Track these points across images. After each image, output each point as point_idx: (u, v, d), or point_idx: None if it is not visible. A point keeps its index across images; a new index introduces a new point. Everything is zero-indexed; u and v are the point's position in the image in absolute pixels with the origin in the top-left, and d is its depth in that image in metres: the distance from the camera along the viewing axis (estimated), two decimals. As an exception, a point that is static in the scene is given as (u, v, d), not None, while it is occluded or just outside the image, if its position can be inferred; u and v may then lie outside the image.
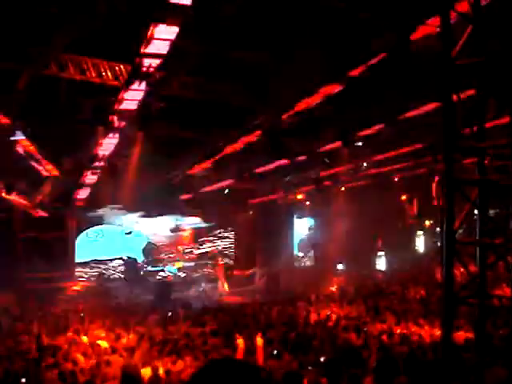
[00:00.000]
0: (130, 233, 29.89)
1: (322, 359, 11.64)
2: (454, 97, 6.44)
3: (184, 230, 32.01)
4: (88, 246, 29.36)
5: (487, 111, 9.55)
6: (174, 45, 11.96)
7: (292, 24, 12.07)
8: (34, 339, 15.44)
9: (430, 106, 14.82)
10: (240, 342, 14.35)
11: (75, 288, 26.46)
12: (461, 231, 9.82)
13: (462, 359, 6.81)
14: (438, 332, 13.62)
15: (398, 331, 15.37)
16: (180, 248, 32.19)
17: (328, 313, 19.28)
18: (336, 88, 14.67)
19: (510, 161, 5.85)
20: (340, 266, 33.08)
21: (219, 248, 33.28)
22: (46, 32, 12.21)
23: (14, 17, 11.67)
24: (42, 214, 25.19)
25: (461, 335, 11.24)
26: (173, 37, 11.54)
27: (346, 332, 15.45)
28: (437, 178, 30.12)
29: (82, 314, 20.30)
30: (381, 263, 34.95)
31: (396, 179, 30.89)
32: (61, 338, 15.92)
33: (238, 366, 2.31)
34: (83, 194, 24.93)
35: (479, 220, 6.59)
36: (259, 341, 14.27)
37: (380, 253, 35.07)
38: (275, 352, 13.21)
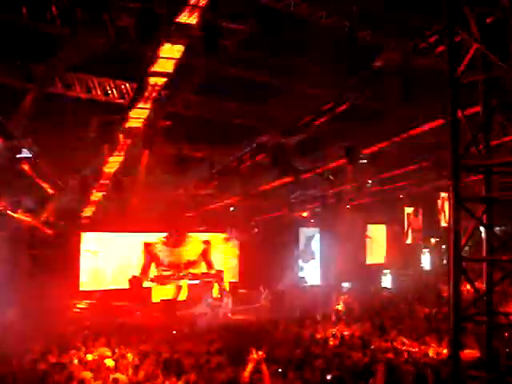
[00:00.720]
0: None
1: (328, 377, 11.57)
2: (460, 114, 6.47)
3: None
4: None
5: (494, 129, 9.60)
6: (180, 63, 12.07)
7: (296, 43, 12.14)
8: (40, 357, 15.39)
9: (435, 123, 14.85)
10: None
11: (80, 306, 26.39)
12: (466, 248, 9.80)
13: (470, 377, 6.75)
14: (444, 350, 13.58)
15: (404, 349, 15.30)
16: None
17: (333, 331, 19.19)
18: (340, 108, 14.78)
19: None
20: (345, 284, 33.00)
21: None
22: (53, 51, 12.30)
23: (22, 35, 11.76)
24: (47, 231, 25.29)
25: (468, 353, 11.18)
26: (179, 55, 11.64)
27: (352, 350, 15.38)
28: (442, 196, 30.25)
29: (87, 332, 20.26)
30: (386, 281, 34.84)
31: (401, 196, 30.96)
32: (66, 356, 15.85)
33: None
34: (88, 211, 25.03)
35: (486, 237, 6.57)
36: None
37: (385, 270, 34.98)
38: (280, 370, 13.12)
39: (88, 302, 27.07)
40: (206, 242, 33.39)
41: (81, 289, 28.72)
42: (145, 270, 31.35)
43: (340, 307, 26.73)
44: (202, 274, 32.80)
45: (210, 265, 33.36)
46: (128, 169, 20.07)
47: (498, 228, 15.04)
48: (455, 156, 6.26)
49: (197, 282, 32.11)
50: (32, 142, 17.21)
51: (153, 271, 31.65)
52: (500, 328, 7.38)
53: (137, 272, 30.83)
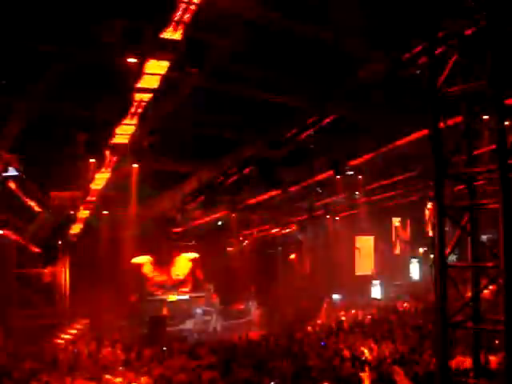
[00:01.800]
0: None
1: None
2: (442, 124, 6.55)
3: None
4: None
5: (478, 137, 9.72)
6: (166, 79, 12.12)
7: (279, 55, 12.19)
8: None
9: (421, 134, 14.97)
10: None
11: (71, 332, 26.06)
12: (454, 258, 9.87)
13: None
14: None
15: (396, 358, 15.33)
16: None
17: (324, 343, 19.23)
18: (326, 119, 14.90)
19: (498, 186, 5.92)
20: (336, 296, 33.01)
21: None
22: (39, 68, 12.29)
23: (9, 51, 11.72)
24: (35, 249, 25.16)
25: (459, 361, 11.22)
26: (164, 71, 11.69)
27: (344, 361, 15.39)
28: (429, 206, 30.47)
29: (76, 350, 20.15)
30: (376, 291, 34.87)
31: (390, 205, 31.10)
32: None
33: None
34: (76, 228, 24.97)
35: (471, 244, 6.64)
36: None
37: (375, 281, 35.03)
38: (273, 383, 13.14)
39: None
40: (194, 259, 33.34)
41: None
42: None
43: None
44: (191, 290, 32.73)
45: (198, 281, 33.28)
46: (115, 185, 20.04)
47: (484, 236, 15.13)
48: (438, 165, 6.34)
49: (186, 297, 32.00)
50: (18, 159, 17.20)
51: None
52: (489, 335, 7.43)
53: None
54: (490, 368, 6.84)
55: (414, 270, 37.16)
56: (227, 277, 33.23)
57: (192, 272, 33.12)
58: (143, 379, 14.68)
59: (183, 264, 33.05)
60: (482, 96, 6.28)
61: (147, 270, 31.87)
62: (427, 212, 34.10)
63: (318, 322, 26.17)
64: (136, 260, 31.37)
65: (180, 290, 32.24)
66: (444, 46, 6.62)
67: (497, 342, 9.69)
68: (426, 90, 6.41)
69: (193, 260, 33.28)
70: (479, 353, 6.62)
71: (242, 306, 31.37)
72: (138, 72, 11.94)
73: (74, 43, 11.13)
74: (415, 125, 15.10)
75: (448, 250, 6.32)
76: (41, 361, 18.35)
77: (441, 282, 6.28)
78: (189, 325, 28.84)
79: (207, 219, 26.93)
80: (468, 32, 6.63)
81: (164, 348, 20.53)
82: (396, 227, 36.95)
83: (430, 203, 28.72)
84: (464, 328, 6.91)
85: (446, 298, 6.27)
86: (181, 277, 32.67)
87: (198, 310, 30.45)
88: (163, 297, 31.39)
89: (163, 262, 32.26)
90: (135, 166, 18.23)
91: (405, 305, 29.89)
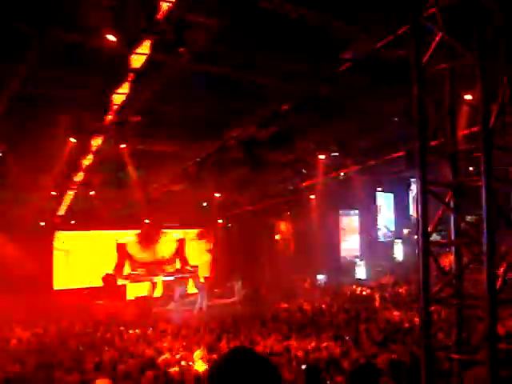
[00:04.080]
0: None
1: (303, 367, 11.68)
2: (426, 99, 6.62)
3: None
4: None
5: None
6: (150, 59, 12.08)
7: (261, 36, 12.15)
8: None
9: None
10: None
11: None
12: (439, 237, 9.97)
13: (440, 359, 6.92)
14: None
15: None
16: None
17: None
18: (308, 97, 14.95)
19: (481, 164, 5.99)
20: (320, 277, 33.26)
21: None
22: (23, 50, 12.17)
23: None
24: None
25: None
26: (148, 51, 11.66)
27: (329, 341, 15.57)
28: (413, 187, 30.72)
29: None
30: (360, 272, 35.15)
31: (378, 189, 31.35)
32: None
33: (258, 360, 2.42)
34: (62, 210, 24.93)
35: (453, 221, 6.73)
36: None
37: (359, 262, 35.30)
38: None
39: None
40: (180, 240, 33.43)
41: (54, 288, 28.62)
42: (119, 268, 31.31)
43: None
44: (177, 270, 32.83)
45: (184, 261, 33.40)
46: (100, 166, 20.00)
47: (469, 217, 15.26)
48: (422, 141, 6.40)
49: (171, 278, 32.12)
50: (1, 141, 17.10)
51: (127, 269, 31.63)
52: (472, 311, 7.56)
53: (110, 270, 30.78)
54: (472, 343, 6.96)
55: (398, 251, 37.43)
56: (212, 256, 33.43)
57: (178, 252, 33.24)
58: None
59: (169, 244, 33.16)
60: (467, 74, 6.34)
61: (132, 249, 31.94)
62: (411, 193, 34.44)
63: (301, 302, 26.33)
64: (121, 240, 31.43)
65: (166, 270, 32.37)
66: (428, 23, 6.65)
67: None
68: (411, 67, 6.46)
69: (178, 240, 33.39)
70: (462, 328, 6.75)
71: (229, 285, 31.51)
72: (123, 52, 11.93)
73: (57, 22, 11.06)
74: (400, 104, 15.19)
75: (431, 228, 6.41)
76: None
77: (423, 259, 6.37)
78: (173, 306, 28.97)
79: (193, 200, 26.96)
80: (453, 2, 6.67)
81: (150, 329, 20.64)
82: (380, 208, 37.18)
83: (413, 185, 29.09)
84: (447, 305, 7.03)
85: (428, 276, 6.36)
86: (166, 257, 32.78)
87: (182, 290, 30.62)
88: (149, 277, 31.51)
89: (148, 241, 32.33)
90: (123, 146, 18.20)
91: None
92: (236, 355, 2.49)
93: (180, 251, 33.44)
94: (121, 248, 31.64)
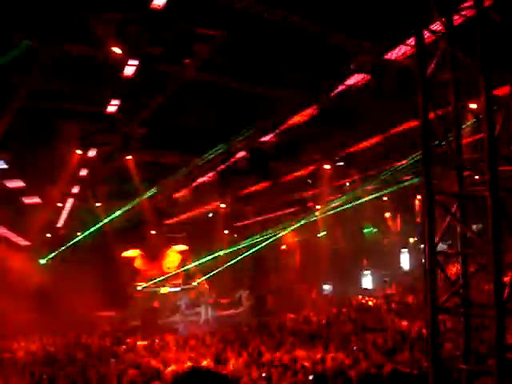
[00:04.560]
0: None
1: (310, 377, 11.64)
2: (431, 114, 6.63)
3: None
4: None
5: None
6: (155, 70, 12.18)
7: (268, 49, 12.20)
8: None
9: (410, 124, 15.07)
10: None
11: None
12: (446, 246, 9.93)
13: (448, 369, 6.89)
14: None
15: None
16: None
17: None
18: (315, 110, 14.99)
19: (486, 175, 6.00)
20: (326, 287, 33.19)
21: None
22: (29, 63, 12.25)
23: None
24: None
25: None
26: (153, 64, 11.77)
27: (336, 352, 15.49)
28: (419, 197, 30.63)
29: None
30: (367, 281, 35.05)
31: (385, 198, 31.27)
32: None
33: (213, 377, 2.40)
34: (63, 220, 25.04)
35: (460, 231, 6.72)
36: None
37: (366, 272, 35.19)
38: (264, 375, 13.18)
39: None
40: (184, 252, 33.42)
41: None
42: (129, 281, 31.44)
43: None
44: (183, 282, 32.80)
45: (189, 273, 33.36)
46: (105, 178, 20.09)
47: (474, 226, 15.23)
48: (427, 151, 6.41)
49: (178, 289, 32.07)
50: (6, 153, 17.18)
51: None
52: (479, 320, 7.54)
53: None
54: (480, 353, 6.95)
55: (404, 260, 37.29)
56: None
57: (183, 264, 33.20)
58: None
59: (173, 257, 33.16)
60: (471, 84, 6.35)
61: (138, 263, 31.97)
62: (417, 203, 34.31)
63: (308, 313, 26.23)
64: (126, 254, 31.44)
65: (172, 282, 32.32)
66: (433, 35, 6.68)
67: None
68: (416, 77, 6.48)
69: (183, 252, 33.37)
70: (469, 338, 6.72)
71: (235, 297, 31.44)
72: (126, 63, 12.01)
73: (61, 35, 11.14)
74: (404, 116, 15.23)
75: (438, 238, 6.40)
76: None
77: (430, 269, 6.36)
78: (178, 317, 28.89)
79: (198, 211, 26.96)
80: (457, 21, 6.71)
81: (156, 340, 20.60)
82: (386, 218, 37.05)
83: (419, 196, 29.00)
84: (454, 314, 7.02)
85: (435, 285, 6.35)
86: (172, 270, 32.77)
87: (182, 302, 30.53)
88: (154, 289, 31.48)
89: (154, 255, 32.37)
90: (129, 157, 18.27)
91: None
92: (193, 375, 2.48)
93: (185, 263, 33.45)
94: (127, 262, 31.74)
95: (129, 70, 12.23)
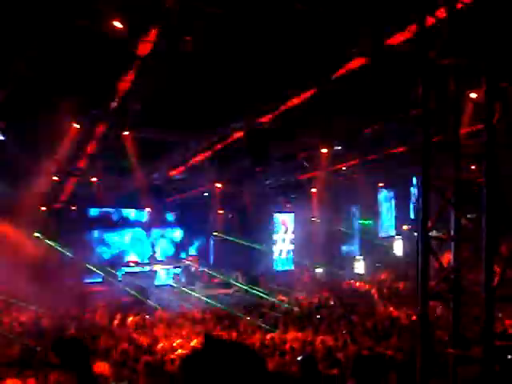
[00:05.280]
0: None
1: (298, 358, 11.70)
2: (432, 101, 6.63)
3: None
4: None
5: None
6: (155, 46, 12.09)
7: (265, 30, 12.09)
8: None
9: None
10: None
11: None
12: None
13: (438, 355, 6.96)
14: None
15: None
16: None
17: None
18: (313, 91, 14.93)
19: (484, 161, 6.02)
20: (319, 270, 33.31)
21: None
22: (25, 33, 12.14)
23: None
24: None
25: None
26: (154, 38, 11.67)
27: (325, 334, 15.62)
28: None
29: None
30: (360, 267, 35.19)
31: (380, 184, 31.36)
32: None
33: (236, 348, 2.28)
34: (65, 195, 25.01)
35: (454, 217, 6.75)
36: None
37: (358, 256, 35.31)
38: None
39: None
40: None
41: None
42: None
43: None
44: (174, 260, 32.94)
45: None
46: (103, 153, 20.02)
47: (470, 215, 15.28)
48: (426, 137, 6.42)
49: (169, 267, 32.20)
50: (5, 125, 17.10)
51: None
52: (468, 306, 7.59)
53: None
54: (468, 338, 7.00)
55: (398, 247, 37.41)
56: (214, 246, 33.50)
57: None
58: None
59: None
60: (473, 70, 6.35)
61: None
62: (412, 190, 34.36)
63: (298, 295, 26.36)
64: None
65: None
66: (435, 19, 6.66)
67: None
68: (417, 61, 6.46)
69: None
70: (458, 323, 6.77)
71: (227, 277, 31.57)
72: (128, 38, 11.92)
73: (63, 6, 11.05)
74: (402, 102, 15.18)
75: (431, 223, 6.43)
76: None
77: (423, 254, 6.40)
78: (170, 294, 28.94)
79: (194, 191, 26.97)
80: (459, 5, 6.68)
81: (147, 316, 20.70)
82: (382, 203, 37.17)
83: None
84: (445, 299, 7.06)
85: (427, 270, 6.39)
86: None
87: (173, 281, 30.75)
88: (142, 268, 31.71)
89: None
90: (126, 133, 18.21)
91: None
92: (210, 344, 2.34)
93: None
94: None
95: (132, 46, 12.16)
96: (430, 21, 6.65)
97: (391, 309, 19.77)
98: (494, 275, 5.96)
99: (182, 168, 22.96)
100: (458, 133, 6.71)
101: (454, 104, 6.79)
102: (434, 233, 6.74)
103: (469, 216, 7.28)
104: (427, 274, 6.38)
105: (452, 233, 6.83)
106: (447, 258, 7.08)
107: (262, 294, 26.39)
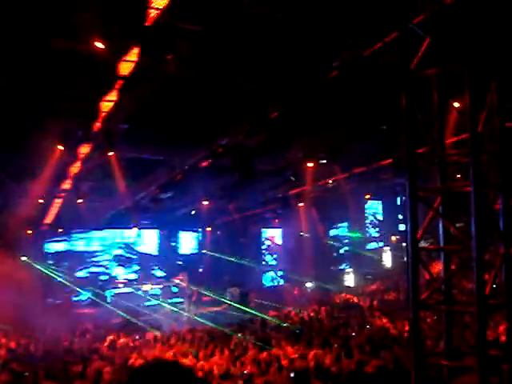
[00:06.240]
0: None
1: (291, 375, 11.65)
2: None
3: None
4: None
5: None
6: (137, 66, 12.07)
7: (248, 41, 12.12)
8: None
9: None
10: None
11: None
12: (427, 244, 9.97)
13: (430, 365, 6.91)
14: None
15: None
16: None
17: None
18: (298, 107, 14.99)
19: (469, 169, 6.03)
20: (308, 284, 33.26)
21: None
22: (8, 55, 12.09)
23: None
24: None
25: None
26: (136, 58, 11.66)
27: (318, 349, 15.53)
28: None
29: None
30: (349, 279, 35.22)
31: (367, 197, 31.46)
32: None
33: (172, 368, 2.32)
34: (49, 217, 24.83)
35: (442, 227, 6.74)
36: None
37: (348, 269, 35.35)
38: (245, 372, 13.19)
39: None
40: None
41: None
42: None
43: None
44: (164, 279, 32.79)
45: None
46: (88, 174, 19.93)
47: (458, 225, 15.36)
48: (410, 147, 6.42)
49: (159, 286, 32.04)
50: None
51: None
52: (460, 316, 7.57)
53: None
54: (461, 349, 6.96)
55: (386, 258, 37.49)
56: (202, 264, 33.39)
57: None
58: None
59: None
60: (455, 80, 6.36)
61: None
62: (398, 200, 34.50)
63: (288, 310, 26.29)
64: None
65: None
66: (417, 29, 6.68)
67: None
68: (399, 72, 6.48)
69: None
70: (451, 334, 6.74)
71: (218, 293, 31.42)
72: (110, 59, 11.91)
73: (44, 28, 11.02)
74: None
75: (420, 233, 6.42)
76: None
77: (413, 265, 6.37)
78: (162, 314, 28.76)
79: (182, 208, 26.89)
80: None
81: (137, 337, 20.53)
82: (368, 216, 37.28)
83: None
84: (436, 310, 7.04)
85: (417, 281, 6.36)
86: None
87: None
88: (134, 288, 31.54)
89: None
90: (111, 153, 18.14)
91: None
92: (153, 367, 2.40)
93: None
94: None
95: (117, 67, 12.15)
96: (411, 31, 6.67)
97: (384, 320, 19.72)
98: (485, 284, 5.94)
99: (168, 186, 22.88)
100: (443, 142, 6.73)
101: (438, 114, 6.80)
102: (421, 243, 6.72)
103: (457, 225, 7.28)
104: (417, 284, 6.36)
105: (441, 243, 6.82)
106: (436, 267, 7.07)
107: (252, 311, 26.26)
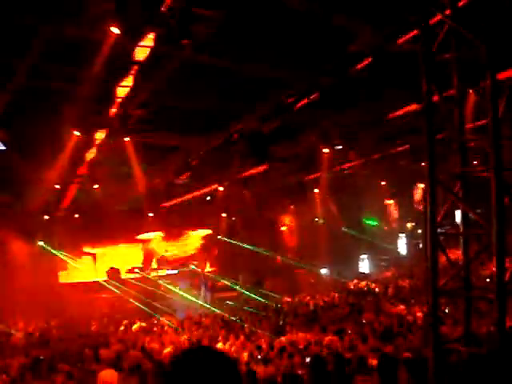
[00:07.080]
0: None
1: (307, 360, 11.65)
2: (435, 97, 6.57)
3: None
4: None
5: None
6: (154, 52, 12.03)
7: (264, 28, 12.04)
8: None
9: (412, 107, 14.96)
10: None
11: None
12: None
13: (449, 351, 6.88)
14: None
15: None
16: (166, 254, 32.33)
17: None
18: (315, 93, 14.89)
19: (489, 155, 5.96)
20: (323, 270, 33.23)
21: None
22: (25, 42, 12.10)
23: None
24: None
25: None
26: (152, 43, 11.62)
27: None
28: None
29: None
30: (364, 266, 35.17)
31: (383, 183, 31.32)
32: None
33: (215, 356, 2.33)
34: (65, 203, 24.92)
35: (462, 212, 6.68)
36: None
37: (363, 256, 35.26)
38: (259, 357, 13.23)
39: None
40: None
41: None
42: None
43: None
44: (181, 264, 32.80)
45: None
46: (104, 159, 19.96)
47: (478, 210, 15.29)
48: (430, 132, 6.36)
49: (175, 271, 32.11)
50: (5, 134, 17.05)
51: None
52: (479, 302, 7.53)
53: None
54: (480, 335, 6.93)
55: (402, 245, 37.35)
56: (217, 251, 33.39)
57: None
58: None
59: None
60: (475, 65, 6.28)
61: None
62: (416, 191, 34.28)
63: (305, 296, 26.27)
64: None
65: (170, 265, 32.46)
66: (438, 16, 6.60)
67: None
68: (420, 56, 6.40)
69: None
70: (470, 320, 6.70)
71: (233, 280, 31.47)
72: (126, 44, 11.88)
73: (60, 14, 11.01)
74: (406, 99, 15.13)
75: (439, 218, 6.37)
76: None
77: (432, 250, 6.33)
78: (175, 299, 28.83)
79: (196, 194, 26.81)
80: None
81: (154, 322, 20.68)
82: (388, 206, 37.00)
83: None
84: (455, 296, 7.00)
85: (437, 267, 6.32)
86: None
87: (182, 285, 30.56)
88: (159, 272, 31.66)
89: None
90: (127, 139, 18.17)
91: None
92: (194, 353, 2.41)
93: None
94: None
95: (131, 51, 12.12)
96: (433, 16, 6.59)
97: (400, 307, 19.67)
98: (505, 269, 5.89)
99: (184, 172, 22.88)
100: (462, 127, 6.66)
101: (458, 99, 6.73)
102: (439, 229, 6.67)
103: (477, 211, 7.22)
104: (436, 270, 6.31)
105: (461, 228, 6.77)
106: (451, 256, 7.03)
107: (267, 297, 26.32)
